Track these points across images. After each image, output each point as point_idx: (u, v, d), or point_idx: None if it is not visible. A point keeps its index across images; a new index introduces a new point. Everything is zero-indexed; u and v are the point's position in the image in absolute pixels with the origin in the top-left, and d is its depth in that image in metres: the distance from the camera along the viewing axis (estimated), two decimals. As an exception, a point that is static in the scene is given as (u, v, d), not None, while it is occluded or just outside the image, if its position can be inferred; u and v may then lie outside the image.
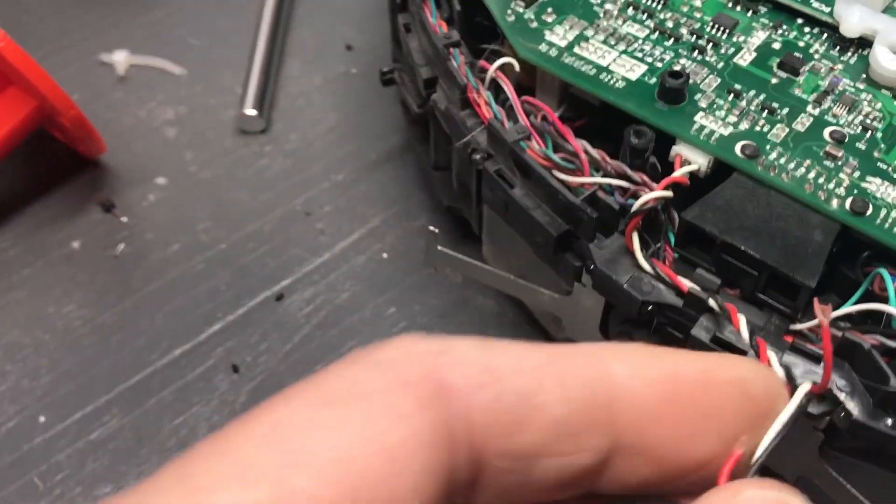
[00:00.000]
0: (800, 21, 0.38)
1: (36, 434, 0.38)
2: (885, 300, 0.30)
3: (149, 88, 0.51)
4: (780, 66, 0.36)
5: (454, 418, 0.17)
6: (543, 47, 0.37)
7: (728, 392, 0.20)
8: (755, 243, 0.31)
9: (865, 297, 0.31)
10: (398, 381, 0.17)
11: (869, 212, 0.31)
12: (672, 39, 0.37)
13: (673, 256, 0.33)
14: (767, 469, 0.32)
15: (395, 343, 0.18)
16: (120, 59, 0.51)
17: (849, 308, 0.30)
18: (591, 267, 0.32)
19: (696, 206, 0.32)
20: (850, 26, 0.36)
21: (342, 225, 0.45)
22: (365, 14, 0.55)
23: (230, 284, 0.43)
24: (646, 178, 0.32)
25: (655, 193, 0.31)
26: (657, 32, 0.38)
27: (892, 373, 0.28)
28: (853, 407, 0.28)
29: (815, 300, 0.25)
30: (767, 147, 0.33)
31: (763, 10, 0.38)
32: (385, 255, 0.44)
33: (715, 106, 0.35)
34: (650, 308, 0.31)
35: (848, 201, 0.32)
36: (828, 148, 0.33)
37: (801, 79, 0.36)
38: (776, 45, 0.37)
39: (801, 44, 0.37)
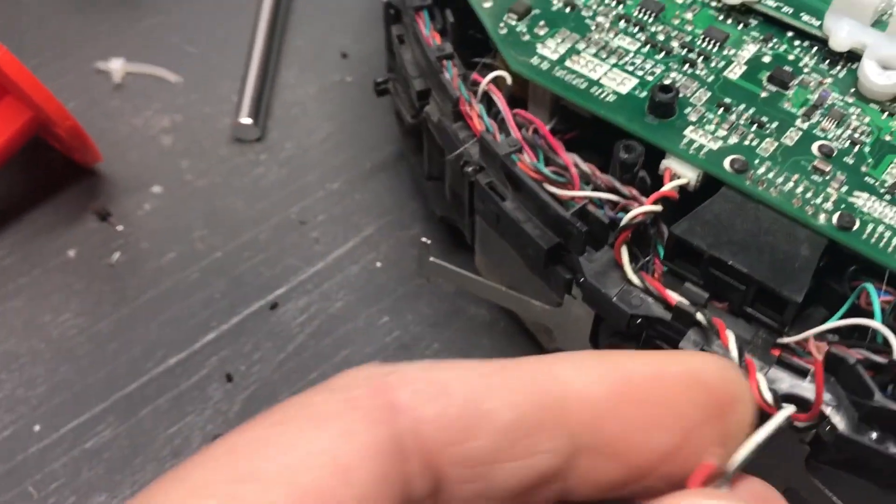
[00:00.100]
0: (790, 34, 0.38)
1: (31, 443, 0.38)
2: (871, 315, 0.30)
3: (145, 96, 0.51)
4: (770, 79, 0.36)
5: (403, 431, 0.18)
6: (535, 60, 0.37)
7: (680, 384, 0.20)
8: (743, 258, 0.31)
9: (852, 311, 0.31)
10: (347, 403, 0.18)
11: (856, 227, 0.32)
12: (663, 53, 0.38)
13: (662, 270, 0.33)
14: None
15: (348, 371, 0.19)
16: (116, 66, 0.52)
17: (835, 323, 0.30)
18: (581, 280, 0.33)
19: (684, 221, 0.32)
20: (839, 40, 0.36)
21: (336, 234, 0.45)
22: (361, 22, 0.55)
23: (225, 293, 0.43)
24: (635, 192, 0.33)
25: (644, 208, 0.31)
26: (648, 45, 0.38)
27: (876, 388, 0.28)
28: (839, 421, 0.29)
29: (811, 337, 0.25)
30: (756, 161, 0.34)
31: (754, 23, 0.39)
32: (379, 265, 0.44)
33: (705, 120, 0.35)
34: (639, 321, 0.32)
35: (835, 216, 0.32)
36: (816, 162, 0.34)
37: (790, 92, 0.36)
38: (766, 59, 0.37)
39: (791, 57, 0.37)
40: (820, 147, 0.34)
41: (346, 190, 0.47)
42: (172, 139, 0.49)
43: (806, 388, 0.29)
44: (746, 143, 0.34)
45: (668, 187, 0.33)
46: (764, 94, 0.36)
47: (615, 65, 0.37)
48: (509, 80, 0.37)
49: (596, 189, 0.33)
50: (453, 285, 0.43)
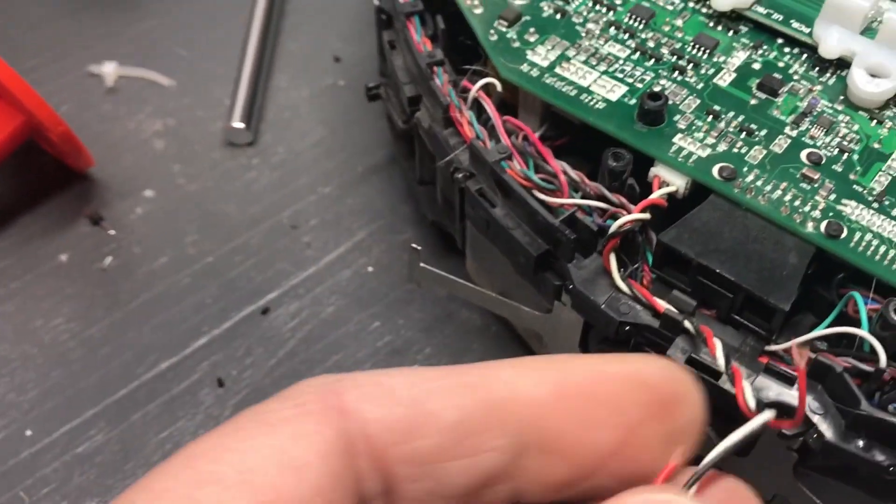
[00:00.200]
0: (780, 41, 0.38)
1: (22, 448, 0.38)
2: (859, 322, 0.30)
3: (137, 100, 0.51)
4: (760, 87, 0.37)
5: (352, 432, 0.19)
6: (525, 67, 0.37)
7: (621, 383, 0.21)
8: (731, 266, 0.31)
9: (840, 319, 0.32)
10: (298, 408, 0.19)
11: (843, 235, 0.32)
12: (653, 60, 0.38)
13: (651, 277, 0.33)
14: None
15: (301, 381, 0.20)
16: (109, 70, 0.52)
17: (822, 331, 0.31)
18: (570, 287, 0.33)
19: (673, 228, 0.32)
20: (829, 47, 0.37)
21: (328, 238, 0.46)
22: (354, 25, 0.55)
23: (216, 298, 0.43)
24: (623, 200, 0.33)
25: (632, 216, 0.31)
26: (638, 52, 0.38)
27: (863, 396, 0.29)
28: (826, 429, 0.29)
29: (794, 345, 0.25)
30: (745, 169, 0.34)
31: (744, 29, 0.39)
32: (370, 269, 0.45)
33: (694, 127, 0.35)
34: (627, 328, 0.32)
35: (823, 224, 0.32)
36: (804, 170, 0.34)
37: (779, 100, 0.36)
38: (756, 66, 0.38)
39: (781, 64, 0.38)
40: (809, 155, 0.34)
41: (338, 194, 0.47)
42: (165, 143, 0.49)
43: (793, 396, 0.29)
44: (735, 150, 0.34)
45: (656, 195, 0.33)
46: (753, 102, 0.36)
47: (605, 72, 0.37)
48: (499, 86, 0.37)
49: (585, 196, 0.34)
50: (444, 291, 0.43)
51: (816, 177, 0.34)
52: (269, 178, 0.48)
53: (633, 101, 0.36)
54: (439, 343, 0.42)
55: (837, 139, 0.35)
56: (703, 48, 0.38)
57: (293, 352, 0.42)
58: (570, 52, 0.38)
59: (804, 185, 0.33)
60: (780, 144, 0.35)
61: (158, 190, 0.47)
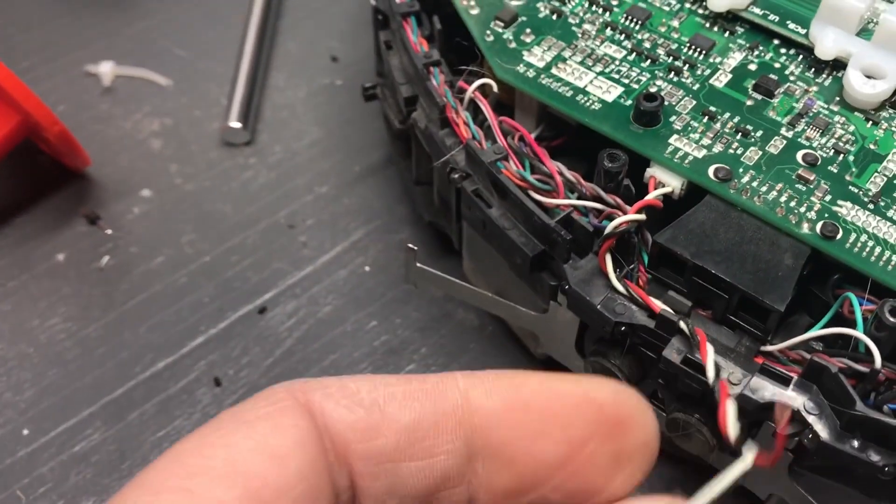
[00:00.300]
0: (776, 42, 0.39)
1: (19, 447, 0.39)
2: (854, 323, 0.31)
3: (135, 100, 0.51)
4: (756, 87, 0.37)
5: (322, 427, 0.21)
6: (521, 68, 0.37)
7: (570, 400, 0.22)
8: (726, 267, 0.31)
9: (835, 320, 0.32)
10: (273, 406, 0.21)
11: (839, 236, 0.32)
12: (649, 61, 0.38)
13: (647, 277, 0.33)
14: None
15: (273, 385, 0.22)
16: (106, 69, 0.52)
17: (817, 332, 0.31)
18: (566, 287, 0.33)
19: (668, 229, 0.32)
20: (825, 48, 0.37)
21: (325, 238, 0.46)
22: (351, 25, 0.55)
23: (213, 297, 0.43)
24: (619, 201, 0.33)
25: (628, 217, 0.31)
26: (634, 53, 0.38)
27: (858, 396, 0.29)
28: (821, 429, 0.29)
29: (778, 403, 0.25)
30: (740, 170, 0.34)
31: (740, 30, 0.39)
32: (367, 269, 0.45)
33: (689, 128, 0.35)
34: (623, 329, 0.32)
35: (818, 225, 0.32)
36: (800, 171, 0.34)
37: (775, 101, 0.36)
38: (752, 67, 0.38)
39: (777, 65, 0.38)
40: (804, 156, 0.34)
41: (335, 194, 0.47)
42: (162, 143, 0.49)
43: (788, 397, 0.29)
44: (731, 151, 0.34)
45: (652, 196, 0.33)
46: (749, 103, 0.36)
47: (601, 73, 0.37)
48: (496, 87, 0.37)
49: (581, 197, 0.34)
50: (441, 291, 0.43)
51: (812, 178, 0.34)
52: (266, 178, 0.48)
53: (629, 102, 0.36)
54: (436, 343, 0.42)
55: (833, 140, 0.35)
56: (699, 49, 0.38)
57: (290, 351, 0.42)
58: (567, 53, 0.38)
59: (800, 186, 0.33)
60: (775, 145, 0.35)
61: (155, 189, 0.47)
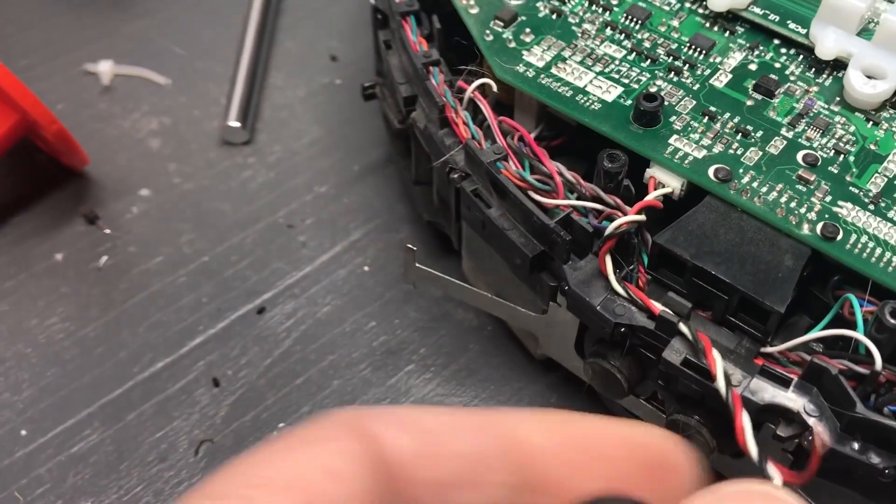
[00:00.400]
0: (776, 42, 0.38)
1: (17, 448, 0.38)
2: (854, 325, 0.30)
3: (133, 99, 0.51)
4: (756, 88, 0.37)
5: (379, 453, 0.21)
6: (521, 68, 0.37)
7: (620, 441, 0.23)
8: (726, 268, 0.31)
9: (836, 321, 0.31)
10: (337, 428, 0.21)
11: (839, 237, 0.32)
12: (649, 60, 0.38)
13: (646, 278, 0.33)
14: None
15: (334, 410, 0.22)
16: (105, 68, 0.52)
17: (817, 333, 0.31)
18: (566, 288, 0.33)
19: (668, 230, 0.32)
20: (825, 48, 0.37)
21: (324, 238, 0.45)
22: (350, 25, 0.55)
23: (212, 297, 0.43)
24: (619, 201, 0.33)
25: (628, 218, 0.31)
26: (634, 53, 0.38)
27: (858, 398, 0.29)
28: (821, 431, 0.29)
29: (770, 460, 0.25)
30: (741, 170, 0.34)
31: (740, 30, 0.39)
32: (366, 269, 0.45)
33: (689, 128, 0.35)
34: (622, 330, 0.32)
35: (819, 226, 0.32)
36: (800, 172, 0.34)
37: (776, 101, 0.36)
38: (752, 67, 0.37)
39: (777, 65, 0.38)
40: (805, 156, 0.34)
41: (334, 193, 0.47)
42: (160, 142, 0.49)
43: (788, 399, 0.29)
44: (731, 152, 0.34)
45: (652, 196, 0.33)
46: (749, 103, 0.36)
47: (601, 72, 0.37)
48: (495, 87, 0.37)
49: (580, 197, 0.33)
50: (440, 291, 0.43)
51: (812, 178, 0.33)
52: (265, 178, 0.48)
53: (629, 102, 0.36)
54: (435, 343, 0.42)
55: (834, 140, 0.35)
56: (699, 49, 0.38)
57: (288, 352, 0.42)
58: (566, 53, 0.38)
59: (800, 187, 0.33)
60: (776, 146, 0.35)
61: (154, 189, 0.47)
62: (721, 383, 0.29)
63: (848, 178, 0.34)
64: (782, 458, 0.31)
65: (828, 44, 0.36)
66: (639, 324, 0.31)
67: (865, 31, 0.37)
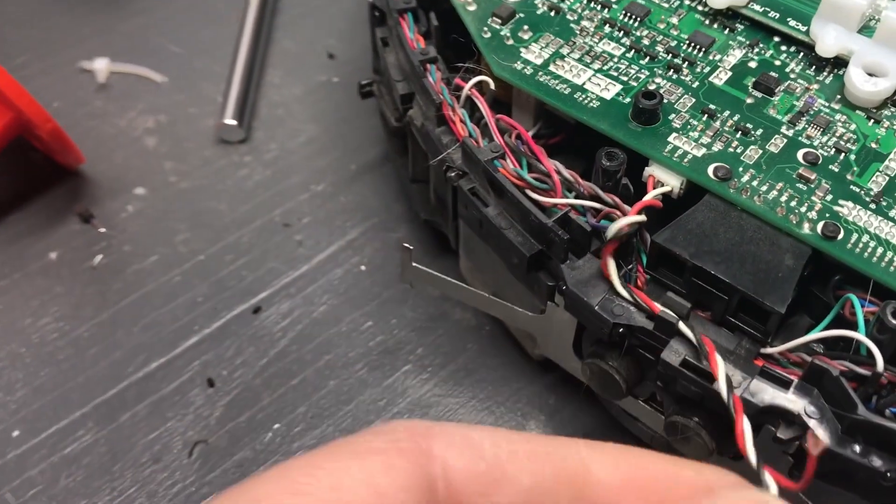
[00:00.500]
0: (776, 40, 0.38)
1: (9, 449, 0.38)
2: (856, 325, 0.30)
3: (129, 97, 0.51)
4: (756, 85, 0.36)
5: (435, 475, 0.20)
6: (519, 65, 0.37)
7: (688, 488, 0.22)
8: (725, 267, 0.31)
9: (836, 321, 0.31)
10: (389, 443, 0.21)
11: (840, 236, 0.31)
12: (648, 58, 0.37)
13: (645, 278, 0.33)
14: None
15: (393, 420, 0.23)
16: (101, 66, 0.51)
17: (818, 334, 0.30)
18: (564, 288, 0.32)
19: (667, 229, 0.32)
20: (826, 46, 0.36)
21: (321, 237, 0.45)
22: (348, 22, 0.55)
23: (207, 297, 0.43)
24: (617, 200, 0.32)
25: (629, 219, 0.31)
26: (633, 51, 0.37)
27: (860, 400, 0.28)
28: (822, 433, 0.29)
29: (766, 468, 0.25)
30: (740, 169, 0.33)
31: (740, 27, 0.38)
32: (363, 268, 0.44)
33: (689, 126, 0.35)
34: (621, 330, 0.31)
35: (819, 225, 0.32)
36: (801, 170, 0.33)
37: (776, 99, 0.36)
38: (752, 64, 0.37)
39: (778, 63, 0.37)
40: (805, 155, 0.34)
41: (331, 192, 0.47)
42: (156, 140, 0.49)
43: (788, 400, 0.29)
44: (731, 150, 0.34)
45: (651, 195, 0.33)
46: (749, 101, 0.36)
47: (599, 70, 0.37)
48: (493, 84, 0.36)
49: (578, 196, 0.33)
50: (437, 290, 0.42)
51: (813, 177, 0.33)
52: (262, 176, 0.48)
53: (628, 100, 0.36)
54: (432, 343, 0.42)
55: (834, 139, 0.35)
56: (698, 46, 0.37)
57: (284, 352, 0.41)
58: (565, 50, 0.37)
59: (800, 186, 0.33)
60: (776, 144, 0.34)
61: (150, 187, 0.47)
62: (723, 387, 0.28)
63: (849, 177, 0.33)
64: (783, 460, 0.30)
65: (828, 41, 0.36)
66: (637, 324, 0.31)
67: (866, 29, 0.37)
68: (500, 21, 0.38)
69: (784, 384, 0.29)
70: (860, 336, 0.29)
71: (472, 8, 0.39)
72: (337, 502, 0.19)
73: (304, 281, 0.44)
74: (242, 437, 0.39)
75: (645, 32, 0.38)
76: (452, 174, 0.36)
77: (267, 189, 0.47)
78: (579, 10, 0.39)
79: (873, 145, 0.34)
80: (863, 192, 0.33)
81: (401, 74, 0.39)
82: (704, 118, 0.35)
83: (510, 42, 0.38)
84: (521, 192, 0.33)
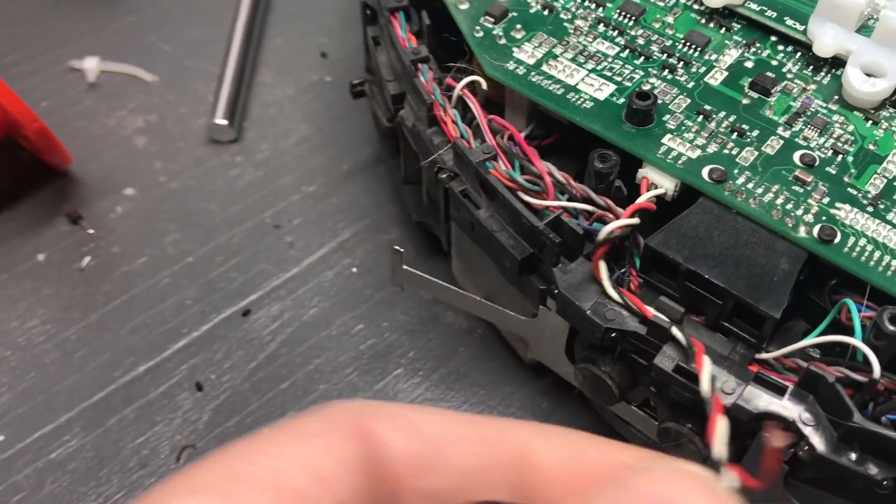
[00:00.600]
0: (773, 39, 0.37)
1: (-6, 453, 0.38)
2: (852, 331, 0.30)
3: (119, 96, 0.50)
4: (752, 86, 0.36)
5: (374, 455, 0.20)
6: (511, 65, 0.36)
7: (629, 472, 0.21)
8: (720, 272, 0.30)
9: (833, 326, 0.31)
10: (330, 424, 0.21)
11: (837, 239, 0.31)
12: (642, 58, 0.37)
13: (638, 282, 0.32)
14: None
15: (335, 402, 0.21)
16: (90, 65, 0.51)
17: (814, 339, 0.30)
18: (555, 291, 0.32)
19: (661, 232, 0.31)
20: (824, 46, 0.36)
21: (312, 238, 0.45)
22: (340, 21, 0.54)
23: (196, 299, 0.42)
24: (610, 203, 0.32)
25: (621, 222, 0.30)
26: (627, 50, 0.37)
27: (855, 407, 0.28)
28: (817, 441, 0.28)
29: (728, 465, 0.24)
30: (735, 171, 0.33)
31: (736, 27, 0.38)
32: (354, 270, 0.44)
33: (683, 127, 0.34)
34: (613, 335, 0.31)
35: (816, 228, 0.31)
36: (797, 172, 0.33)
37: (772, 99, 0.35)
38: (749, 64, 0.37)
39: (774, 63, 0.37)
40: (802, 156, 0.33)
41: (323, 193, 0.46)
42: (146, 140, 0.48)
43: (783, 407, 0.28)
44: (726, 151, 0.33)
45: (644, 198, 0.32)
46: (745, 101, 0.35)
47: (593, 70, 0.36)
48: (485, 84, 0.36)
49: (571, 199, 0.33)
50: (429, 293, 0.42)
51: (809, 179, 0.33)
52: (253, 176, 0.47)
53: (622, 101, 0.35)
54: (423, 347, 0.41)
55: (832, 140, 0.34)
56: (694, 46, 0.37)
57: (274, 355, 0.41)
58: (558, 50, 0.37)
59: (797, 188, 0.32)
60: (772, 145, 0.34)
61: (139, 188, 0.46)
62: (706, 385, 0.28)
63: (846, 179, 0.33)
64: (779, 468, 0.30)
65: (826, 41, 0.36)
66: (630, 329, 0.31)
67: (865, 28, 0.36)
68: (492, 20, 0.38)
69: (779, 390, 0.29)
70: (857, 342, 0.29)
71: (464, 6, 0.38)
72: (277, 487, 0.19)
73: (294, 283, 0.43)
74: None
75: (640, 32, 0.38)
76: (444, 176, 0.35)
77: (258, 189, 0.46)
78: (573, 9, 0.38)
79: (871, 147, 0.34)
80: (860, 194, 0.32)
81: (392, 74, 0.39)
82: (699, 119, 0.34)
83: (503, 41, 0.37)
84: (513, 195, 0.33)
